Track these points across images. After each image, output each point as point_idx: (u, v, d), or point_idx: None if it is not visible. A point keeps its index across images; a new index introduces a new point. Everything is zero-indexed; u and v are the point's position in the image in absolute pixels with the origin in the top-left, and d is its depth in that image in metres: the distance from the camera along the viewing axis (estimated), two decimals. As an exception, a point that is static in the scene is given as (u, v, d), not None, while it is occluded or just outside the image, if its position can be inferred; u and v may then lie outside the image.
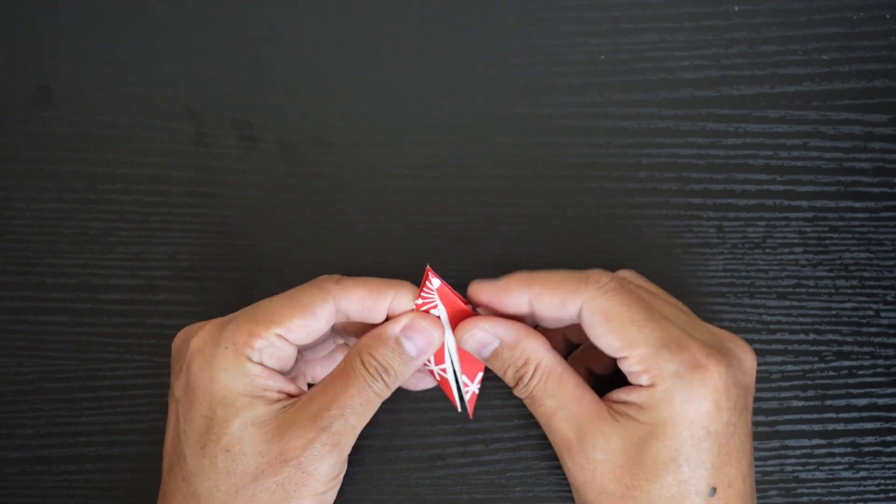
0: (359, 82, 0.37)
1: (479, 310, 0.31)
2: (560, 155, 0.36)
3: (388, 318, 0.31)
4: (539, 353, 0.30)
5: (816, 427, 0.35)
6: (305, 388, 0.33)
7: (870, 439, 0.35)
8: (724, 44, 0.37)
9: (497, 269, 0.35)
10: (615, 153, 0.36)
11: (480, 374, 0.32)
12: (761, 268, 0.36)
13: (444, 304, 0.31)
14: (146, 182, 0.37)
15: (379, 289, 0.30)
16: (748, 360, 0.29)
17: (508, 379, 0.31)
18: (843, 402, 0.35)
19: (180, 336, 0.31)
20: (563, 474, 0.35)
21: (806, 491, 0.35)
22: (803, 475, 0.35)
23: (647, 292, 0.30)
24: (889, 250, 0.36)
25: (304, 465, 0.28)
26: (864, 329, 0.35)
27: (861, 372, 0.35)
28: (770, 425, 0.35)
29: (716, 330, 0.30)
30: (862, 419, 0.35)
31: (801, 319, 0.35)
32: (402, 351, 0.30)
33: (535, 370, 0.30)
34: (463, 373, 0.32)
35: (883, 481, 0.35)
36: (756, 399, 0.35)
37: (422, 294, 0.31)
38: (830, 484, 0.35)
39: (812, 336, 0.35)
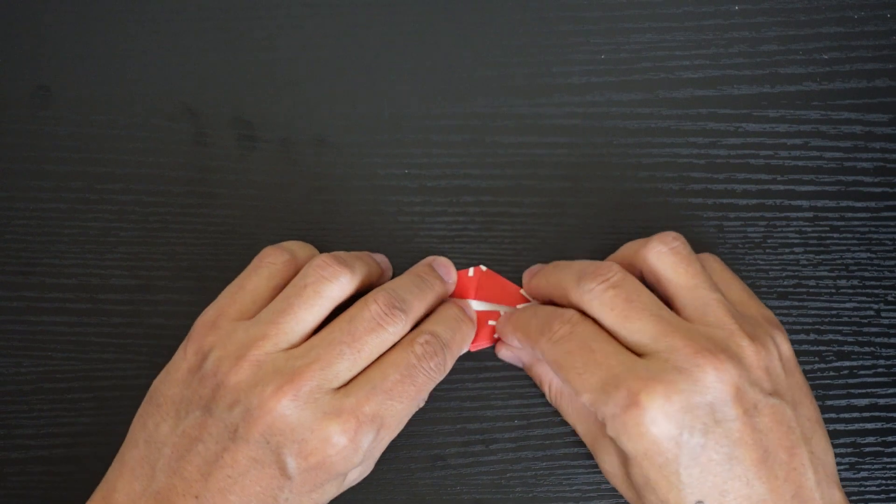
0: (359, 82, 0.37)
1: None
2: (560, 155, 0.36)
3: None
4: (549, 375, 0.34)
5: (817, 427, 0.35)
6: None
7: (870, 439, 0.35)
8: (725, 43, 0.37)
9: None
10: (615, 153, 0.36)
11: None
12: (762, 268, 0.36)
13: (490, 287, 0.35)
14: (146, 182, 0.37)
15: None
16: (708, 379, 0.27)
17: (540, 389, 0.35)
18: (843, 403, 0.35)
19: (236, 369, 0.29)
20: (565, 475, 0.35)
21: (807, 491, 0.35)
22: (804, 475, 0.35)
23: (624, 300, 0.29)
24: (890, 250, 0.36)
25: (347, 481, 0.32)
26: (865, 329, 0.35)
27: (862, 372, 0.35)
28: (771, 425, 0.35)
29: (682, 346, 0.28)
30: (863, 419, 0.35)
31: (802, 319, 0.35)
32: (450, 356, 0.33)
33: (549, 389, 0.34)
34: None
35: (884, 481, 0.35)
36: (756, 399, 0.35)
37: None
38: (831, 484, 0.35)
39: (813, 336, 0.35)
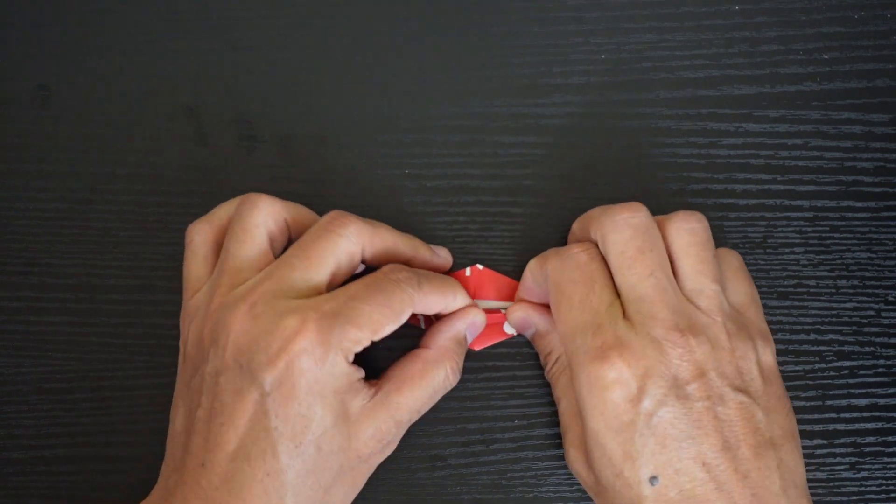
0: (359, 82, 0.37)
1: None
2: (560, 155, 0.36)
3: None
4: (560, 348, 0.33)
5: (817, 427, 0.35)
6: None
7: (871, 439, 0.35)
8: (725, 43, 0.37)
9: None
10: (615, 153, 0.36)
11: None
12: (762, 268, 0.36)
13: (489, 285, 0.35)
14: (146, 182, 0.37)
15: (446, 292, 0.32)
16: (675, 355, 0.28)
17: (541, 362, 0.34)
18: (844, 403, 0.35)
19: (257, 322, 0.28)
20: (565, 475, 0.35)
21: (807, 491, 0.35)
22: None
23: (630, 258, 0.30)
24: (890, 250, 0.36)
25: (372, 460, 0.30)
26: (866, 329, 0.35)
27: (862, 372, 0.35)
28: (771, 425, 0.35)
29: (662, 318, 0.29)
30: (863, 419, 0.35)
31: (802, 319, 0.35)
32: (465, 348, 0.33)
33: (554, 362, 0.33)
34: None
35: (884, 481, 0.35)
36: (757, 399, 0.35)
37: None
38: (831, 484, 0.35)
39: (813, 336, 0.35)
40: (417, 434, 0.35)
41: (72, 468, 0.35)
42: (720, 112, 0.37)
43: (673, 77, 0.37)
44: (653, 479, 0.28)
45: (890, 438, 0.35)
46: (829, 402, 0.35)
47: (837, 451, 0.35)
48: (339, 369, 0.28)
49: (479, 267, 0.35)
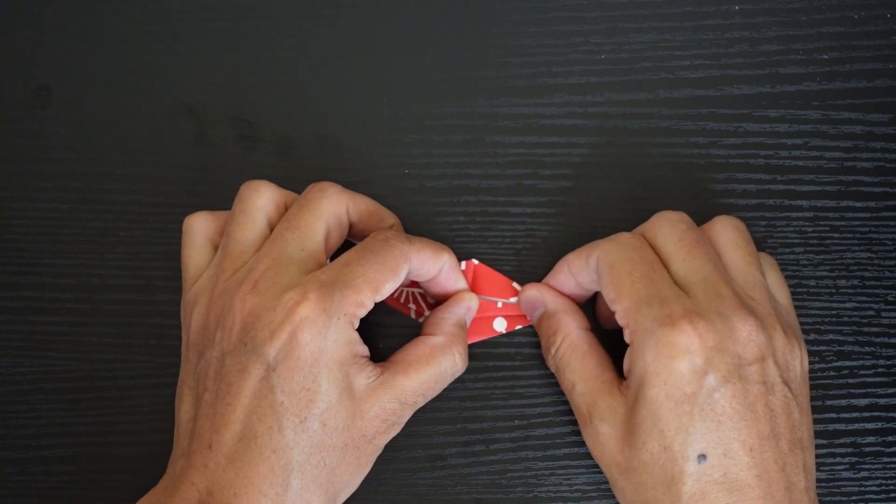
0: (359, 82, 0.37)
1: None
2: (560, 155, 0.36)
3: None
4: (570, 327, 0.33)
5: (817, 427, 0.35)
6: None
7: (871, 439, 0.35)
8: (725, 43, 0.37)
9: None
10: (615, 153, 0.36)
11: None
12: (762, 268, 0.36)
13: (484, 280, 0.35)
14: (146, 182, 0.37)
15: (438, 252, 0.32)
16: (744, 332, 0.28)
17: (543, 347, 0.34)
18: (844, 403, 0.35)
19: (256, 297, 0.28)
20: (565, 475, 0.35)
21: (807, 491, 0.35)
22: (804, 475, 0.35)
23: (686, 243, 0.30)
24: (890, 250, 0.36)
25: (377, 440, 0.30)
26: (865, 329, 0.35)
27: (862, 372, 0.35)
28: (771, 425, 0.35)
29: (730, 297, 0.29)
30: (863, 419, 0.35)
31: (802, 319, 0.35)
32: (466, 332, 0.34)
33: (562, 342, 0.32)
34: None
35: (884, 481, 0.35)
36: (757, 399, 0.35)
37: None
38: (831, 484, 0.35)
39: (813, 336, 0.35)
40: (417, 434, 0.35)
41: (72, 468, 0.35)
42: (720, 112, 0.37)
43: (673, 77, 0.37)
44: (700, 458, 0.27)
45: (890, 438, 0.35)
46: (829, 402, 0.35)
47: (837, 451, 0.35)
48: (344, 337, 0.28)
49: (475, 262, 0.35)
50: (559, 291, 0.34)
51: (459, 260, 0.35)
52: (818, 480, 0.35)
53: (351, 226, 0.33)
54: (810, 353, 0.35)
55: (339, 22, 0.38)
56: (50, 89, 0.37)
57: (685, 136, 0.36)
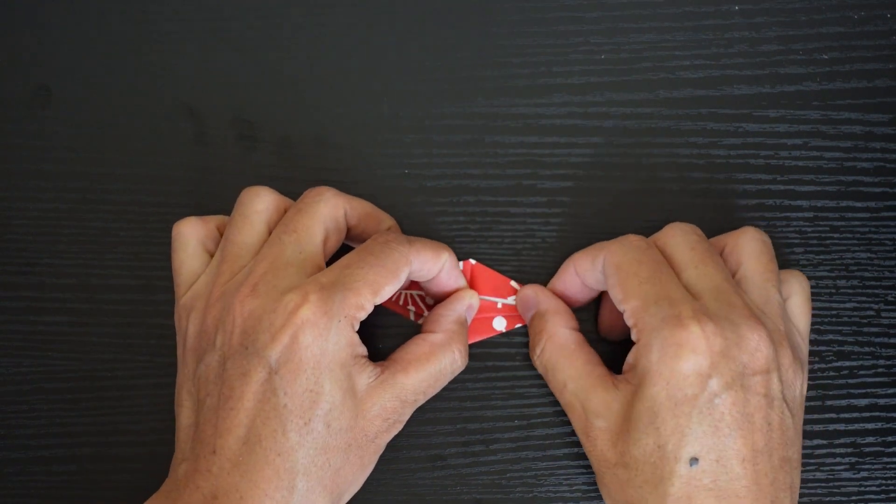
0: (359, 82, 0.37)
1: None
2: (560, 155, 0.36)
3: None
4: (556, 327, 0.33)
5: (817, 427, 0.35)
6: None
7: (870, 439, 0.35)
8: (725, 43, 0.37)
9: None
10: (615, 153, 0.36)
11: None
12: (762, 268, 0.36)
13: (483, 280, 0.35)
14: (146, 182, 0.37)
15: (438, 252, 0.32)
16: (752, 341, 0.28)
17: (529, 346, 0.34)
18: (843, 403, 0.35)
19: (265, 299, 0.28)
20: (565, 475, 0.35)
21: (807, 491, 0.35)
22: (804, 475, 0.35)
23: (691, 249, 0.30)
24: (890, 250, 0.36)
25: (379, 439, 0.30)
26: (865, 329, 0.35)
27: (862, 372, 0.35)
28: (771, 425, 0.35)
29: (741, 307, 0.29)
30: (863, 419, 0.35)
31: (802, 319, 0.35)
32: (467, 331, 0.33)
33: (547, 342, 0.32)
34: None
35: (884, 481, 0.35)
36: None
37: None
38: (831, 484, 0.35)
39: (813, 336, 0.35)
40: (417, 434, 0.35)
41: (72, 468, 0.35)
42: (720, 112, 0.37)
43: (672, 77, 0.37)
44: (693, 461, 0.27)
45: (890, 438, 0.35)
46: (829, 402, 0.35)
47: (837, 451, 0.35)
48: (345, 339, 0.28)
49: (472, 262, 0.35)
50: (560, 292, 0.34)
51: (458, 259, 0.35)
52: (818, 480, 0.35)
53: (349, 229, 0.33)
54: (810, 352, 0.35)
55: (340, 22, 0.38)
56: (50, 89, 0.37)
57: (685, 136, 0.36)
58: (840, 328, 0.35)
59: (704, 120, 0.37)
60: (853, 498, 0.35)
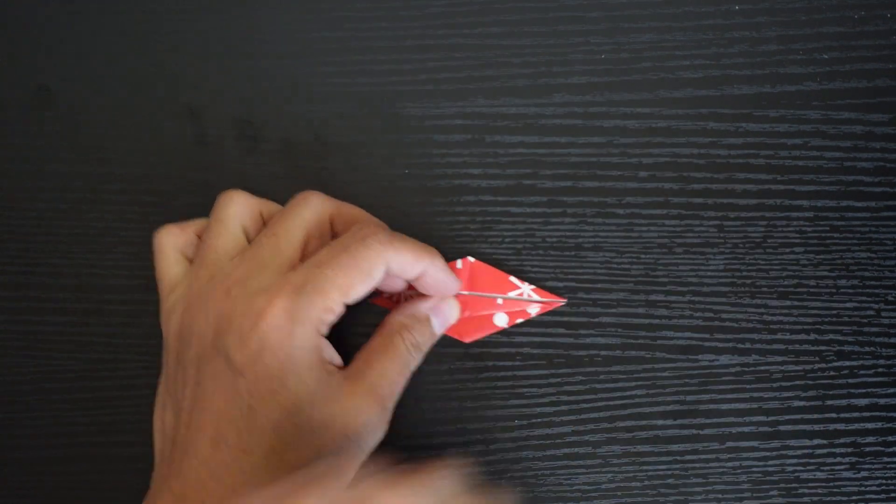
0: (359, 82, 0.37)
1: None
2: (560, 155, 0.36)
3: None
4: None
5: (817, 427, 0.35)
6: None
7: (871, 439, 0.35)
8: (725, 43, 0.37)
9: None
10: (615, 153, 0.36)
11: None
12: (762, 267, 0.36)
13: (481, 277, 0.35)
14: (146, 182, 0.37)
15: (420, 254, 0.31)
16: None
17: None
18: (844, 403, 0.35)
19: (227, 303, 0.29)
20: (565, 475, 0.35)
21: (807, 491, 0.35)
22: (804, 475, 0.35)
23: None
24: (890, 250, 0.36)
25: (360, 438, 0.29)
26: (866, 329, 0.35)
27: (862, 372, 0.35)
28: (771, 425, 0.35)
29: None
30: (863, 419, 0.35)
31: (802, 319, 0.35)
32: (430, 329, 0.33)
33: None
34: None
35: (884, 481, 0.35)
36: (757, 399, 0.35)
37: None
38: (831, 484, 0.35)
39: (813, 336, 0.35)
40: (417, 434, 0.35)
41: (72, 468, 0.35)
42: (720, 112, 0.37)
43: (673, 77, 0.37)
44: None
45: (890, 438, 0.35)
46: (829, 402, 0.35)
47: (837, 451, 0.35)
48: (310, 343, 0.28)
49: (471, 259, 0.35)
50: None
51: (457, 259, 0.35)
52: (818, 480, 0.35)
53: (336, 235, 0.33)
54: (810, 352, 0.35)
55: (339, 22, 0.38)
56: (50, 89, 0.37)
57: (685, 136, 0.36)
58: (840, 328, 0.35)
59: (705, 119, 0.37)
60: (853, 498, 0.35)
